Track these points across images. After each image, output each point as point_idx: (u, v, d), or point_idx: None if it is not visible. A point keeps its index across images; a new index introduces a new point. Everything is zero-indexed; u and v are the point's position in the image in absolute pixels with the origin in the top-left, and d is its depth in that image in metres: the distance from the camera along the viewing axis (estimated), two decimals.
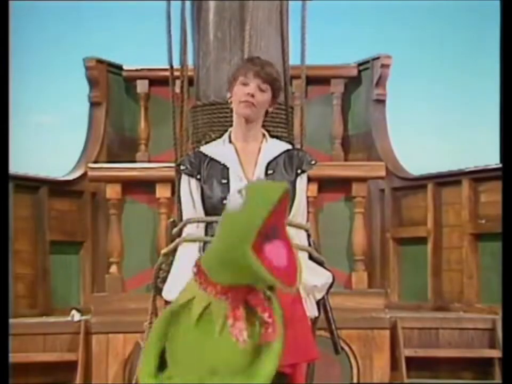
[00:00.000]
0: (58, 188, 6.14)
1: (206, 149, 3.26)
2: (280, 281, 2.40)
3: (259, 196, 2.37)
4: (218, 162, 3.16)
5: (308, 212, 3.30)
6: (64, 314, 5.59)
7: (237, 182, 3.11)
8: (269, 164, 3.15)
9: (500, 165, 5.52)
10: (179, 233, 3.25)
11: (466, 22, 7.44)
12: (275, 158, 3.18)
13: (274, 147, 3.22)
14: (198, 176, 3.16)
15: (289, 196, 2.47)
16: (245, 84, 3.12)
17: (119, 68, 6.73)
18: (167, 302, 3.38)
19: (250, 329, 2.55)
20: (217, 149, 3.21)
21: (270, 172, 3.14)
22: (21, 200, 5.80)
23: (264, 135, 3.24)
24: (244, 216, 2.36)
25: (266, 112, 3.21)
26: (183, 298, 2.67)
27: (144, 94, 6.62)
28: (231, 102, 3.19)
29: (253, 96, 3.11)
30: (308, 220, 3.26)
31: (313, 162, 3.23)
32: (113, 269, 5.51)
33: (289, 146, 3.28)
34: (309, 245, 3.22)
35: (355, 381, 5.22)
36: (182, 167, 3.21)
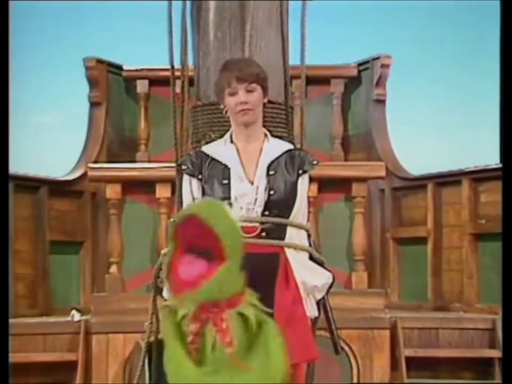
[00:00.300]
0: (58, 188, 6.14)
1: (207, 149, 3.26)
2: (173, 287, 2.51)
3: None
4: (220, 162, 3.16)
5: (308, 212, 3.30)
6: (64, 314, 5.59)
7: (238, 182, 3.11)
8: (270, 164, 3.15)
9: (500, 165, 5.52)
10: None
11: (466, 22, 7.44)
12: (276, 158, 3.17)
13: (276, 147, 3.22)
14: (199, 176, 3.16)
15: (196, 218, 2.50)
16: (233, 94, 3.11)
17: (119, 68, 6.73)
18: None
19: (205, 342, 2.56)
20: (218, 149, 3.21)
21: (271, 172, 3.13)
22: (21, 200, 5.80)
23: (265, 134, 3.24)
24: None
25: (264, 105, 3.21)
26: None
27: (144, 94, 6.62)
28: (226, 112, 3.19)
29: (245, 103, 3.11)
30: (308, 220, 3.26)
31: (314, 162, 3.22)
32: (113, 269, 5.51)
33: (291, 146, 3.27)
34: (309, 245, 3.22)
35: (355, 381, 5.22)
36: (183, 167, 3.21)
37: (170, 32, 3.71)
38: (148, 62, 6.57)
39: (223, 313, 2.55)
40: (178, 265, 2.52)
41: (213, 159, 3.17)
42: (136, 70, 6.69)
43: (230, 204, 2.52)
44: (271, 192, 3.09)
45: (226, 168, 3.14)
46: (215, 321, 2.54)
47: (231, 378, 2.55)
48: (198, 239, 2.50)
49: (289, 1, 3.94)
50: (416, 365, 5.23)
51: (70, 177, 6.24)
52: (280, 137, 3.45)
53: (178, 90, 3.74)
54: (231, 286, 2.54)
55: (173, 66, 3.71)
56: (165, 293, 3.23)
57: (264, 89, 3.18)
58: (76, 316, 5.36)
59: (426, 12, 7.34)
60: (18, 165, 5.56)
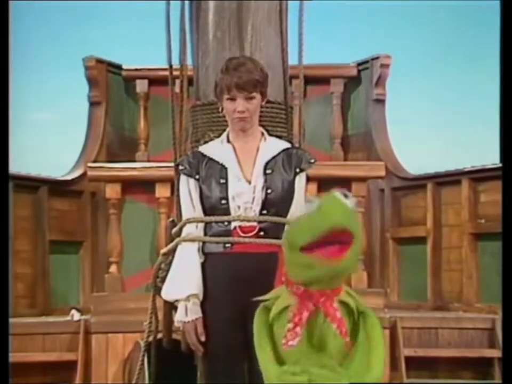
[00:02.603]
0: (58, 188, 6.14)
1: (204, 149, 3.26)
2: (322, 258, 2.38)
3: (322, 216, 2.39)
4: (217, 162, 3.16)
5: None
6: (63, 314, 5.59)
7: (235, 181, 3.11)
8: (267, 163, 3.15)
9: (499, 165, 5.52)
10: (178, 233, 3.25)
11: (466, 21, 7.43)
12: (274, 157, 3.17)
13: (273, 146, 3.22)
14: (197, 176, 3.16)
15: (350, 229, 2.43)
16: (232, 99, 3.12)
17: (119, 67, 6.74)
18: (166, 302, 3.38)
19: (311, 335, 2.53)
20: (215, 149, 3.21)
21: (268, 171, 3.14)
22: (21, 200, 5.80)
23: (262, 133, 3.24)
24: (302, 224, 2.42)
25: (262, 106, 3.20)
26: (274, 293, 2.67)
27: (144, 94, 6.62)
28: (223, 109, 3.18)
29: (243, 111, 3.11)
30: None
31: (312, 161, 3.22)
32: (113, 268, 5.52)
33: (288, 145, 3.27)
34: None
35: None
36: (180, 167, 3.21)
37: (169, 31, 3.70)
38: (147, 62, 6.57)
39: (333, 303, 2.52)
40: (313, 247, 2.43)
41: (210, 159, 3.17)
42: (136, 70, 6.70)
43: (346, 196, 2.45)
44: (269, 191, 3.09)
45: (223, 168, 3.14)
46: (326, 309, 2.52)
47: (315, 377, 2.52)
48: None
49: (289, 1, 3.93)
50: (416, 364, 5.23)
51: (70, 177, 6.24)
52: (280, 137, 3.45)
53: (177, 90, 3.74)
54: (356, 266, 2.51)
55: (171, 66, 3.71)
56: (164, 293, 3.24)
57: (264, 93, 3.18)
58: (76, 316, 5.36)
59: (426, 12, 7.34)
60: (17, 164, 5.56)
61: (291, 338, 2.54)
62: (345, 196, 2.45)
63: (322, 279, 2.46)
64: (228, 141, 3.20)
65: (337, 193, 2.43)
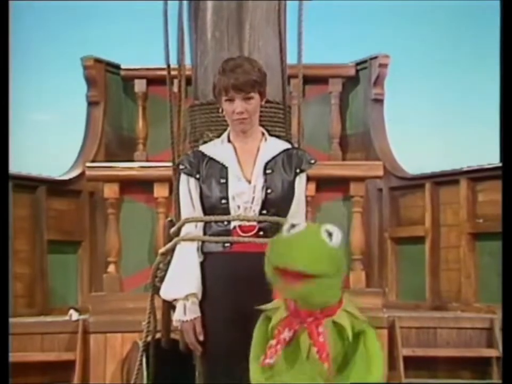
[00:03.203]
0: (56, 188, 6.13)
1: (205, 148, 3.26)
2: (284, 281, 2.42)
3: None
4: (217, 161, 3.16)
5: (306, 211, 3.30)
6: (62, 314, 5.59)
7: (235, 181, 3.11)
8: (267, 163, 3.15)
9: (498, 164, 5.52)
10: (177, 233, 3.25)
11: (466, 21, 7.43)
12: (274, 158, 3.18)
13: (273, 146, 3.22)
14: (197, 176, 3.16)
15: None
16: (230, 100, 3.12)
17: (117, 67, 6.73)
18: (165, 302, 3.38)
19: (292, 353, 2.53)
20: (216, 149, 3.21)
21: (268, 171, 3.14)
22: (19, 199, 5.80)
23: (263, 133, 3.24)
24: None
25: (261, 105, 3.21)
26: (275, 304, 2.67)
27: (142, 94, 6.62)
28: (223, 111, 3.18)
29: (242, 112, 3.11)
30: (306, 219, 3.26)
31: (312, 161, 3.22)
32: (111, 268, 5.51)
33: (289, 146, 3.28)
34: None
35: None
36: (181, 167, 3.21)
37: (166, 31, 3.70)
38: (145, 62, 6.56)
39: (320, 325, 2.51)
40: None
41: (211, 159, 3.18)
42: (134, 70, 6.70)
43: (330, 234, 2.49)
44: (268, 191, 3.10)
45: (223, 168, 3.14)
46: (310, 331, 2.50)
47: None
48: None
49: (287, 1, 3.94)
50: (414, 364, 5.23)
51: (68, 177, 6.24)
52: (278, 137, 3.45)
53: (176, 89, 3.74)
54: (329, 295, 2.50)
55: (169, 66, 3.71)
56: (163, 293, 3.24)
57: (262, 93, 3.18)
58: (74, 315, 5.36)
59: (426, 11, 7.34)
60: (16, 164, 5.56)
61: (270, 355, 2.55)
62: (329, 234, 2.46)
63: (293, 299, 2.49)
64: (229, 140, 3.21)
65: (314, 229, 2.46)
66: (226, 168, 3.14)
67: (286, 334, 2.53)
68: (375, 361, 2.56)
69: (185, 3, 3.80)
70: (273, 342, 2.55)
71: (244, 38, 3.72)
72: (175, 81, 3.74)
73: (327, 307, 2.52)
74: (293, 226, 2.47)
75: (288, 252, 2.40)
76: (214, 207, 3.12)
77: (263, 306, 2.72)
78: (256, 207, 3.09)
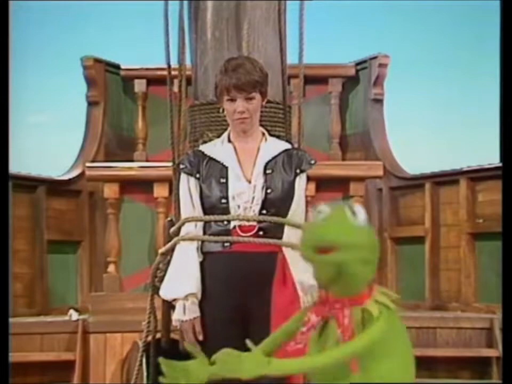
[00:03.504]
0: (56, 187, 6.13)
1: (205, 148, 3.26)
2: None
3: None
4: (218, 161, 3.16)
5: (306, 211, 3.30)
6: (62, 314, 5.59)
7: (235, 181, 3.12)
8: (267, 163, 3.16)
9: (498, 164, 5.52)
10: (177, 232, 3.25)
11: (466, 21, 7.43)
12: (274, 158, 3.18)
13: (274, 146, 3.22)
14: (197, 175, 3.16)
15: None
16: (232, 100, 3.12)
17: (117, 67, 6.73)
18: (164, 302, 3.38)
19: (319, 340, 2.55)
20: (216, 148, 3.21)
21: (268, 171, 3.14)
22: (19, 199, 5.80)
23: (263, 133, 3.25)
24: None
25: (262, 105, 3.21)
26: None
27: (142, 93, 6.62)
28: (223, 110, 3.19)
29: (243, 112, 3.11)
30: (306, 219, 3.26)
31: (312, 162, 3.23)
32: (111, 268, 5.52)
33: (289, 146, 3.28)
34: None
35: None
36: (181, 166, 3.21)
37: (167, 31, 3.70)
38: (145, 62, 6.56)
39: (345, 310, 2.54)
40: None
41: (211, 158, 3.18)
42: (134, 69, 6.69)
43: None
44: (268, 191, 3.10)
45: (224, 167, 3.14)
46: (338, 317, 2.53)
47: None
48: None
49: (287, 1, 3.94)
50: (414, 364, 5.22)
51: (68, 177, 6.24)
52: (278, 137, 3.45)
53: (176, 89, 3.74)
54: (362, 271, 2.52)
55: (169, 66, 3.71)
56: (162, 292, 3.24)
57: (264, 93, 3.18)
58: (74, 315, 5.36)
59: (425, 11, 7.34)
60: (16, 164, 5.56)
61: (299, 340, 2.57)
62: (353, 212, 2.48)
63: (322, 277, 2.49)
64: (229, 140, 3.21)
65: (339, 208, 2.48)
66: (226, 168, 3.14)
67: (314, 320, 2.55)
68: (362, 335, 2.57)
69: (185, 3, 3.80)
70: (303, 328, 2.57)
71: (243, 38, 3.73)
72: (175, 81, 3.74)
73: (356, 294, 2.55)
74: (319, 212, 2.50)
75: (321, 231, 2.43)
76: (214, 206, 3.12)
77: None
78: (256, 207, 3.09)
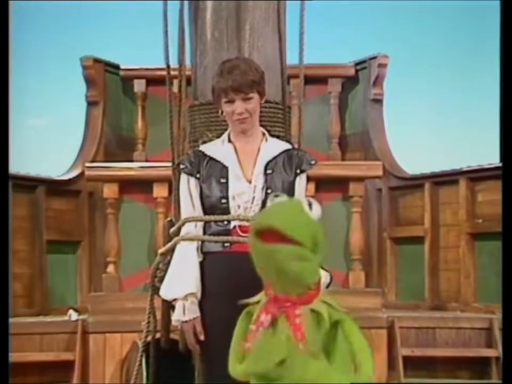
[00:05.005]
0: (55, 187, 6.13)
1: (205, 148, 3.26)
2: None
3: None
4: (218, 161, 3.17)
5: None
6: (61, 314, 5.59)
7: (235, 181, 3.12)
8: (268, 163, 3.16)
9: (497, 164, 5.52)
10: (177, 233, 3.25)
11: (465, 21, 7.43)
12: (274, 158, 3.18)
13: (274, 147, 3.23)
14: (198, 175, 3.17)
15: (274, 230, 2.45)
16: (230, 102, 3.12)
17: (117, 67, 6.72)
18: (164, 302, 3.39)
19: (270, 338, 2.55)
20: (216, 149, 3.22)
21: (268, 171, 3.14)
22: (18, 199, 5.79)
23: (264, 134, 3.25)
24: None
25: (261, 105, 3.21)
26: (258, 297, 2.69)
27: (142, 94, 6.61)
28: (222, 112, 3.19)
29: (242, 112, 3.11)
30: None
31: (312, 162, 3.24)
32: (111, 268, 5.51)
33: (289, 146, 3.29)
34: None
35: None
36: (181, 166, 3.22)
37: (166, 31, 3.71)
38: (145, 62, 6.56)
39: (296, 309, 2.54)
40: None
41: (211, 159, 3.18)
42: (134, 70, 6.69)
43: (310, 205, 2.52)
44: (268, 191, 3.10)
45: (224, 167, 3.15)
46: (288, 315, 2.54)
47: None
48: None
49: (287, 1, 3.94)
50: (413, 364, 5.23)
51: (67, 177, 6.23)
52: (278, 137, 3.45)
53: (175, 89, 3.74)
54: (307, 269, 2.52)
55: (168, 66, 3.71)
56: (162, 293, 3.24)
57: (262, 93, 3.18)
58: (73, 316, 5.35)
59: (425, 11, 7.34)
60: (15, 164, 5.55)
61: (249, 339, 2.58)
62: (309, 204, 2.49)
63: (265, 267, 2.49)
64: (229, 140, 3.22)
65: (295, 200, 2.50)
66: (226, 168, 3.14)
67: (265, 318, 2.56)
68: (362, 355, 2.58)
69: (185, 3, 3.80)
70: (253, 327, 2.58)
71: (243, 38, 3.73)
72: (175, 81, 3.74)
73: (304, 293, 2.55)
74: (276, 196, 2.52)
75: (272, 215, 2.44)
76: (214, 206, 3.12)
77: (245, 301, 2.72)
78: (256, 207, 3.10)
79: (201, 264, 3.14)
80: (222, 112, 3.19)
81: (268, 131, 3.31)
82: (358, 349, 2.59)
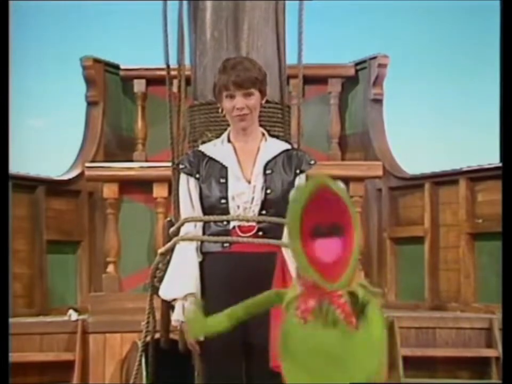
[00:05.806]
0: (55, 188, 6.13)
1: (205, 148, 3.26)
2: (319, 275, 2.41)
3: (294, 195, 2.42)
4: (217, 161, 3.17)
5: None
6: (61, 314, 5.59)
7: (235, 181, 3.12)
8: (267, 163, 3.16)
9: (497, 164, 5.52)
10: (176, 233, 3.25)
11: (465, 21, 7.43)
12: (274, 158, 3.18)
13: (274, 147, 3.23)
14: (197, 176, 3.17)
15: (330, 187, 2.41)
16: (231, 97, 3.12)
17: (116, 67, 6.72)
18: (164, 302, 3.38)
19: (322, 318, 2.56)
20: (216, 149, 3.22)
21: (268, 171, 3.14)
22: (18, 199, 5.79)
23: (263, 134, 3.25)
24: (289, 215, 2.42)
25: (261, 105, 3.21)
26: (291, 289, 2.69)
27: (142, 94, 6.61)
28: (222, 110, 3.19)
29: (243, 108, 3.11)
30: None
31: (312, 162, 3.23)
32: (110, 268, 5.51)
33: (289, 146, 3.29)
34: None
35: None
36: (181, 166, 3.22)
37: (166, 31, 3.71)
38: (145, 62, 6.56)
39: (339, 292, 2.55)
40: (311, 251, 2.46)
41: (211, 159, 3.18)
42: (134, 70, 6.69)
43: None
44: (268, 191, 3.10)
45: (223, 167, 3.14)
46: (332, 298, 2.54)
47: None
48: (325, 216, 2.46)
49: (286, 1, 3.94)
50: (413, 364, 5.22)
51: (67, 177, 6.23)
52: (277, 137, 3.45)
53: (175, 89, 3.74)
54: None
55: (168, 66, 3.71)
56: (162, 292, 3.24)
57: (263, 92, 3.18)
58: (73, 316, 5.35)
59: (425, 11, 7.34)
60: (15, 164, 5.55)
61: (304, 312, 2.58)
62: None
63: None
64: (229, 140, 3.21)
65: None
66: (226, 168, 3.14)
67: (311, 303, 2.56)
68: (375, 329, 2.59)
69: (185, 3, 3.80)
70: (298, 312, 2.58)
71: (242, 38, 3.73)
72: (174, 81, 3.74)
73: None
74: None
75: (313, 179, 2.40)
76: (214, 207, 3.12)
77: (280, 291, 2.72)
78: (256, 207, 3.10)
79: (201, 264, 3.14)
80: (222, 110, 3.19)
81: (267, 131, 3.31)
82: (372, 343, 2.60)
